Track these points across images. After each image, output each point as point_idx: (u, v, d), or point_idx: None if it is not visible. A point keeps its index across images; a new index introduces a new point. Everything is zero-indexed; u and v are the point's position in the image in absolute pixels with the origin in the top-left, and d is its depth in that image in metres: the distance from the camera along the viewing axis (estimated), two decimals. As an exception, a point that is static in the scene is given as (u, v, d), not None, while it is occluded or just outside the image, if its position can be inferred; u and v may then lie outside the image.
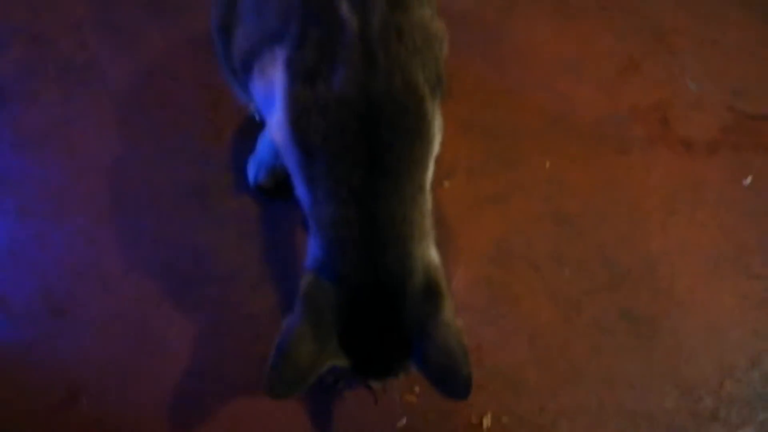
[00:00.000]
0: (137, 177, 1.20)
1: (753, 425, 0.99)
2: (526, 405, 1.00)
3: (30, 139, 1.24)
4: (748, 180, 1.22)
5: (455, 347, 0.76)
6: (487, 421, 0.99)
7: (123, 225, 1.16)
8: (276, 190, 1.16)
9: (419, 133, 0.81)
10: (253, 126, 1.18)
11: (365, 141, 0.78)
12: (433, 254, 0.85)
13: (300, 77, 0.80)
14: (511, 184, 1.21)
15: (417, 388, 1.01)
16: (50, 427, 0.98)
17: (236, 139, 1.24)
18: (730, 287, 1.12)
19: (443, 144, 0.87)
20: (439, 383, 0.78)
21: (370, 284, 0.80)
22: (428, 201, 0.86)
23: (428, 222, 0.85)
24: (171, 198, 1.18)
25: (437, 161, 0.85)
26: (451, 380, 0.76)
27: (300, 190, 0.86)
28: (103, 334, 1.05)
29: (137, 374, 1.02)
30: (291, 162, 0.85)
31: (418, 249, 0.82)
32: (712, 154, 1.26)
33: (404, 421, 0.99)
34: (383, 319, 0.80)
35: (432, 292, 0.80)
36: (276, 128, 0.86)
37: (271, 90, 0.86)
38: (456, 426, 0.98)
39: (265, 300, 1.09)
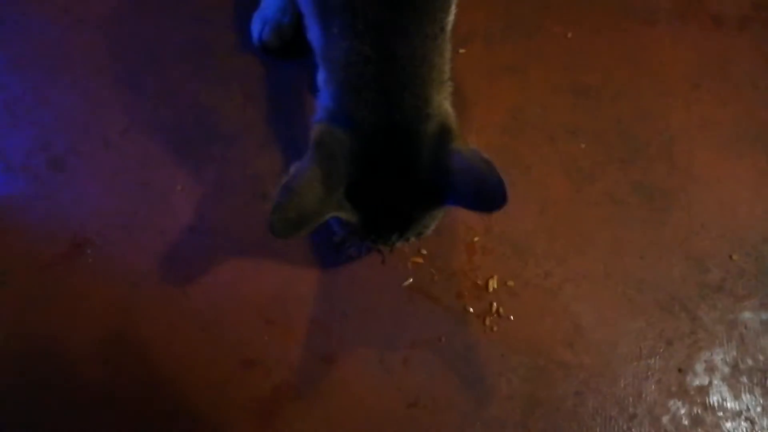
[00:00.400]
0: (137, 33, 1.14)
1: (759, 297, 0.99)
2: (533, 270, 1.00)
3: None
4: (778, 58, 1.16)
5: (480, 163, 0.73)
6: (492, 284, 0.98)
7: (122, 81, 1.10)
8: (281, 49, 1.10)
9: None
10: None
11: None
12: (449, 105, 0.81)
13: None
14: (530, 54, 1.16)
15: (424, 250, 1.00)
16: (55, 276, 0.98)
17: (240, -5, 1.16)
18: (748, 165, 1.09)
19: (461, 9, 0.80)
20: (477, 203, 0.76)
21: (385, 128, 0.76)
22: (449, 47, 0.81)
23: (447, 68, 0.81)
24: (172, 55, 1.12)
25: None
26: (487, 193, 0.73)
27: (313, 30, 0.81)
28: (105, 189, 1.03)
29: (141, 227, 1.01)
30: None
31: (436, 95, 0.78)
32: (742, 30, 1.20)
33: (410, 281, 0.99)
34: (398, 164, 0.77)
35: (446, 134, 0.77)
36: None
37: None
38: (462, 287, 0.98)
39: (271, 160, 1.06)
